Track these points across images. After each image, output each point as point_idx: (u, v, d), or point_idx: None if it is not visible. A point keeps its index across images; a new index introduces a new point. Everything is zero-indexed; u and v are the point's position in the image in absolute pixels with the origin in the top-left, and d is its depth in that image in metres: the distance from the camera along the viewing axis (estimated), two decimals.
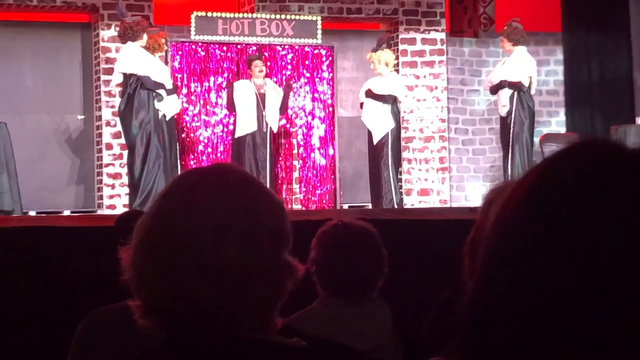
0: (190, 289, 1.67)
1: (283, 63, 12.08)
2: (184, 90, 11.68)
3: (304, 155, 12.12)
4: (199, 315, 1.67)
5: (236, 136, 11.45)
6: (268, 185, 11.17)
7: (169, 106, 10.80)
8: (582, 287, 0.95)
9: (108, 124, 12.26)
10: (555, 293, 0.96)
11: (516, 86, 11.73)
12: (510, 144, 11.69)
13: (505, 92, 11.80)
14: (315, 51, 12.17)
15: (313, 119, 12.16)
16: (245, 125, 11.36)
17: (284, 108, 11.58)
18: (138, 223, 1.76)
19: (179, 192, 1.74)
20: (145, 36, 10.74)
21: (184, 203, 1.71)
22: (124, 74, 10.61)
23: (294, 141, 12.13)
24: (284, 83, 11.73)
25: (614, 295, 0.94)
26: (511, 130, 11.69)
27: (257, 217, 1.72)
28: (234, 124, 11.57)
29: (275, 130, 11.56)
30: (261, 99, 11.35)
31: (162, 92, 10.66)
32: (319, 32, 12.04)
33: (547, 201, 0.99)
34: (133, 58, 10.58)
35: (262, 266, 1.69)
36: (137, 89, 10.51)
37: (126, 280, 1.73)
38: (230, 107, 11.50)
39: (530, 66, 11.92)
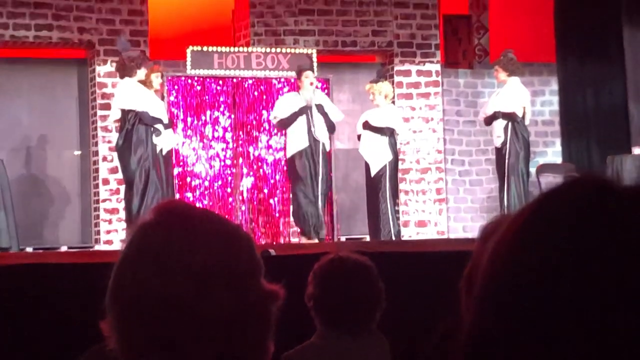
0: (189, 348, 1.63)
1: (279, 96, 12.10)
2: (181, 125, 11.70)
3: None
4: None
5: (288, 155, 11.34)
6: (321, 207, 11.05)
7: (165, 140, 10.81)
8: (575, 323, 0.96)
9: (105, 159, 12.27)
10: (549, 328, 0.97)
11: (510, 117, 11.75)
12: (506, 174, 11.69)
13: (500, 123, 11.82)
14: None
15: None
16: (296, 142, 11.24)
17: (331, 126, 11.46)
18: (110, 291, 1.69)
19: (149, 253, 1.66)
20: (142, 71, 10.75)
21: (158, 265, 1.65)
22: (122, 110, 10.62)
23: None
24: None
25: (606, 328, 0.95)
26: (506, 161, 11.69)
27: (233, 255, 1.68)
28: (285, 142, 11.50)
29: (327, 147, 11.38)
30: (311, 114, 11.25)
31: (159, 126, 10.68)
32: (315, 65, 12.08)
33: (539, 240, 1.01)
34: (131, 93, 10.60)
35: (250, 302, 1.67)
36: (135, 124, 10.53)
37: (112, 350, 1.68)
38: (281, 124, 11.40)
39: (524, 96, 11.94)
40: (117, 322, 1.68)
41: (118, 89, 10.91)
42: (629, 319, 0.95)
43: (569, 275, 0.98)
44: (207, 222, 1.72)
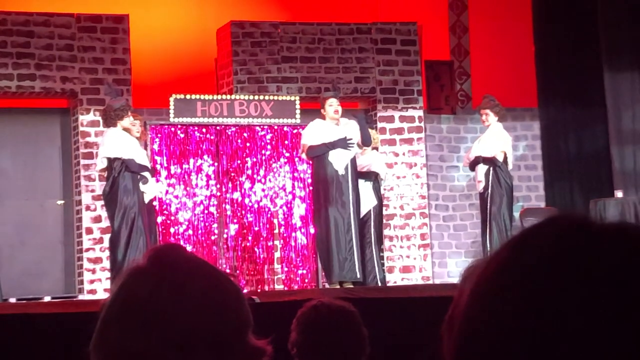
0: None
1: (262, 143, 12.12)
2: (164, 173, 11.69)
3: (285, 234, 12.11)
4: None
5: (315, 186, 11.23)
6: (354, 236, 10.89)
7: (150, 188, 10.81)
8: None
9: (88, 208, 12.24)
10: None
11: (490, 161, 11.72)
12: (488, 219, 11.67)
13: (481, 168, 11.80)
14: (295, 131, 12.22)
15: (293, 198, 12.17)
16: (322, 171, 11.18)
17: (367, 139, 11.33)
18: (94, 336, 1.64)
19: (135, 303, 1.61)
20: (128, 119, 10.75)
21: (142, 317, 1.59)
22: (109, 158, 10.61)
23: (275, 221, 12.12)
24: (356, 116, 11.49)
25: None
26: (488, 206, 11.68)
27: (220, 312, 1.62)
28: (312, 167, 11.48)
29: (342, 171, 11.12)
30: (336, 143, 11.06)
31: (147, 174, 10.69)
32: (298, 111, 12.10)
33: (516, 280, 1.02)
34: (117, 142, 10.59)
35: None
36: (122, 172, 10.53)
37: None
38: (310, 153, 11.25)
39: (505, 141, 11.85)
40: None
41: (104, 138, 10.90)
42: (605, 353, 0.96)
43: (545, 315, 0.98)
44: (198, 274, 1.66)
